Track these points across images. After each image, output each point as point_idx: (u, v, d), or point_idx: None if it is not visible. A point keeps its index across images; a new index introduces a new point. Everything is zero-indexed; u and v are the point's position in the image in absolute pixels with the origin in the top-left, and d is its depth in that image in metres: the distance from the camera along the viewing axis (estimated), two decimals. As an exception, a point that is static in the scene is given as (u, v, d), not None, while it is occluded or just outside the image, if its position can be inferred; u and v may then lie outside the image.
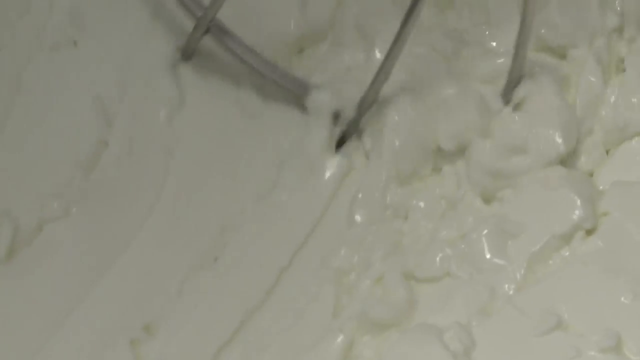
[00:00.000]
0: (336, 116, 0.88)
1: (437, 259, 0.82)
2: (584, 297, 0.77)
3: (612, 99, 0.85)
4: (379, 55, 0.89)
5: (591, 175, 0.85)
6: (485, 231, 0.82)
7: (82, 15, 0.89)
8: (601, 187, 0.83)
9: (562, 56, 0.88)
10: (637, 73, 0.86)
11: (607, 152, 0.85)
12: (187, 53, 0.89)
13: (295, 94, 0.89)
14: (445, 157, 0.87)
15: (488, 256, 0.81)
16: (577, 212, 0.80)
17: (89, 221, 0.85)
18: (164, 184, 0.87)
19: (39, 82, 0.88)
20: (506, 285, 0.80)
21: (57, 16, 0.89)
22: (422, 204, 0.85)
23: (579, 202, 0.80)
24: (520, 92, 0.85)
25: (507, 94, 0.86)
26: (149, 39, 0.90)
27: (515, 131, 0.85)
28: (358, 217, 0.86)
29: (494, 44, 0.89)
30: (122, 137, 0.87)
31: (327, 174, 0.88)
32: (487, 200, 0.85)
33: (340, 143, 0.88)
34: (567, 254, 0.80)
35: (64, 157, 0.86)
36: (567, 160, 0.84)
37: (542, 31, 0.87)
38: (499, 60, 0.87)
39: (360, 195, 0.87)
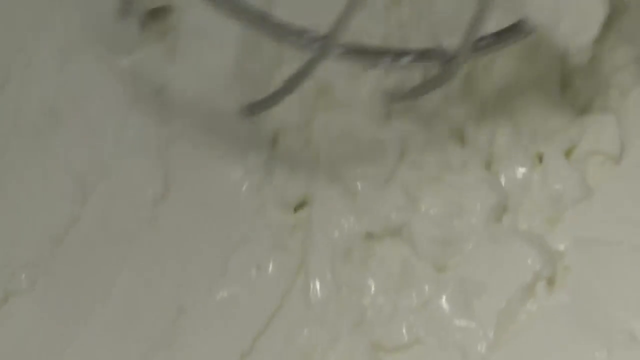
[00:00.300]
0: None
1: (403, 327, 0.80)
2: (559, 354, 0.75)
3: (536, 177, 0.84)
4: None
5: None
6: (447, 295, 0.80)
7: (62, 99, 0.90)
8: (560, 247, 0.81)
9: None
10: (554, 154, 0.84)
11: (552, 219, 0.83)
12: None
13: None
14: (379, 239, 0.85)
15: (455, 318, 0.79)
16: (533, 260, 0.79)
17: (52, 296, 0.84)
18: (124, 264, 0.85)
19: (18, 159, 0.88)
20: (478, 346, 0.77)
21: (36, 98, 0.89)
22: (373, 281, 0.83)
23: (532, 251, 0.79)
24: None
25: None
26: (134, 121, 0.90)
27: (445, 197, 0.84)
28: (315, 298, 0.83)
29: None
30: (94, 214, 0.87)
31: (279, 265, 0.86)
32: (441, 268, 0.82)
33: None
34: (535, 308, 0.78)
35: (35, 230, 0.86)
36: (501, 215, 0.83)
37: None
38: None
39: (311, 278, 0.84)
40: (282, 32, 0.74)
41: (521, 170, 0.84)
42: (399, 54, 0.76)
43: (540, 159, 0.84)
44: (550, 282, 0.79)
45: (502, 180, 0.84)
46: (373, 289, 0.82)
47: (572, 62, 0.82)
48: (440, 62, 0.76)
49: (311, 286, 0.83)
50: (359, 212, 0.84)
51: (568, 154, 0.84)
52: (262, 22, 0.74)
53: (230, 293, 0.85)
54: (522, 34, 0.76)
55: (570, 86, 0.86)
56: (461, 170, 0.84)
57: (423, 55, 0.76)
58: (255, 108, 0.83)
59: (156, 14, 0.91)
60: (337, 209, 0.85)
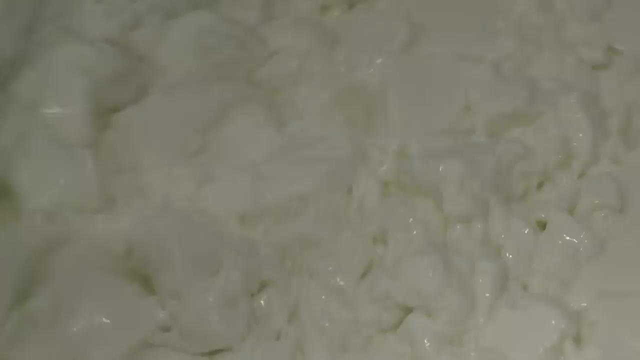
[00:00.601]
0: None
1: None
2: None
3: (543, 242, 0.82)
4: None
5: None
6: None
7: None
8: (582, 304, 0.79)
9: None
10: (559, 215, 0.83)
11: (568, 278, 0.81)
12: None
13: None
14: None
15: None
16: (557, 320, 0.76)
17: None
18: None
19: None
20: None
21: None
22: None
23: (555, 311, 0.76)
24: None
25: None
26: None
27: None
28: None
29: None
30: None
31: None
32: (458, 343, 0.78)
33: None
34: (567, 367, 0.75)
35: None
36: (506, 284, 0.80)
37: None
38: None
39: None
40: None
41: (525, 239, 0.82)
42: None
43: (542, 225, 0.83)
44: (578, 339, 0.76)
45: (507, 253, 0.82)
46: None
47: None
48: None
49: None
50: (347, 304, 0.80)
51: (571, 212, 0.84)
52: None
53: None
54: None
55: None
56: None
57: None
58: None
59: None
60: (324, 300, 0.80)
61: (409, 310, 0.79)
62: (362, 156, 0.88)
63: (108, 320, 0.79)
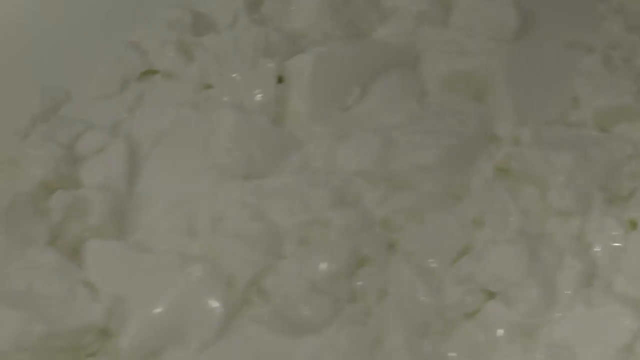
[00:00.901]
0: None
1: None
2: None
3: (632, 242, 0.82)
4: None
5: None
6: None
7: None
8: None
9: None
10: None
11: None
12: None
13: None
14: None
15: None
16: (630, 321, 0.75)
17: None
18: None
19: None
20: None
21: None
22: (454, 354, 0.78)
23: (628, 311, 0.76)
24: None
25: None
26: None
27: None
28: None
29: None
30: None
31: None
32: (532, 336, 0.78)
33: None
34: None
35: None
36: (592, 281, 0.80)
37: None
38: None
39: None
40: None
41: (615, 238, 0.82)
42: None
43: (633, 224, 0.83)
44: (651, 343, 0.75)
45: (597, 251, 0.81)
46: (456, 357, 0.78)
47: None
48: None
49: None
50: (433, 289, 0.80)
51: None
52: None
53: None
54: None
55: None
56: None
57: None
58: None
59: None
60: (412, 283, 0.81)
61: (491, 295, 0.79)
62: (486, 137, 0.89)
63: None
